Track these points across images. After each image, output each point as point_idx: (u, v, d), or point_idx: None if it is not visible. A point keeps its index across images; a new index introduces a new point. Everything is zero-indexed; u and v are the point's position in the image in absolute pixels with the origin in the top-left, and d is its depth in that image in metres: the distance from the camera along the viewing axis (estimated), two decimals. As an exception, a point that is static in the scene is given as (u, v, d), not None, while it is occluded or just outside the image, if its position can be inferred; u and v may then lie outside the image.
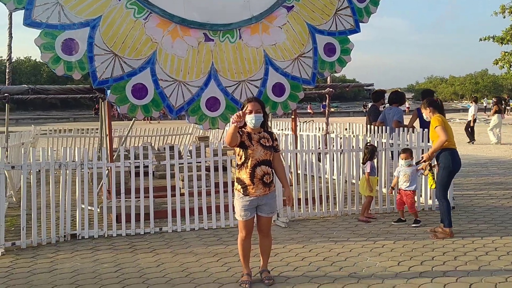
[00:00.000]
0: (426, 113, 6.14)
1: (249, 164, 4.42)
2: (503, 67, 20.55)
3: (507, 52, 20.23)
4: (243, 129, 4.50)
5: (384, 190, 7.39)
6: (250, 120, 4.43)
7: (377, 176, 7.14)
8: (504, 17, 20.06)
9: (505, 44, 20.28)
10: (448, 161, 5.87)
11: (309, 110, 43.79)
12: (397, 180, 6.70)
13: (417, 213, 6.64)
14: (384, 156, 7.50)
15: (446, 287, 4.36)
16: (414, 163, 6.61)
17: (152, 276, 4.82)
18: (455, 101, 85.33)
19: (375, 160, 7.13)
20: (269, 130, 4.67)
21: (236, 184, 4.53)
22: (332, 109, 50.79)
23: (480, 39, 20.88)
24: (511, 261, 4.98)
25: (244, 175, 4.45)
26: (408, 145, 7.37)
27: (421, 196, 7.42)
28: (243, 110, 4.44)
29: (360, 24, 8.31)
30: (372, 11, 8.39)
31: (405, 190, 6.56)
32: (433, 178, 6.18)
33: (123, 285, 4.59)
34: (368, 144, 7.20)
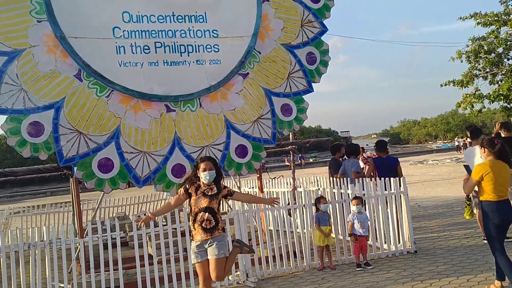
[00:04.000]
0: (481, 153, 5.56)
1: (192, 211, 4.93)
2: (466, 108, 21.13)
3: (467, 94, 20.91)
4: (198, 182, 4.98)
5: (348, 239, 7.63)
6: (204, 177, 4.92)
7: (326, 225, 7.30)
8: (462, 62, 20.91)
9: (464, 87, 20.96)
10: (484, 213, 5.47)
11: (286, 163, 43.99)
12: (352, 226, 7.17)
13: None
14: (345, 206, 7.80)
15: (401, 331, 4.58)
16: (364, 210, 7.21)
17: None
18: (429, 142, 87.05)
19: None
20: (222, 186, 5.06)
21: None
22: (311, 160, 51.87)
23: (441, 85, 21.52)
24: (465, 300, 5.23)
25: (190, 221, 4.95)
26: (364, 194, 7.75)
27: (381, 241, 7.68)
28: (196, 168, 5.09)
29: (314, 84, 8.85)
30: (323, 71, 8.92)
31: (363, 236, 7.10)
32: (469, 210, 6.16)
33: None
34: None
